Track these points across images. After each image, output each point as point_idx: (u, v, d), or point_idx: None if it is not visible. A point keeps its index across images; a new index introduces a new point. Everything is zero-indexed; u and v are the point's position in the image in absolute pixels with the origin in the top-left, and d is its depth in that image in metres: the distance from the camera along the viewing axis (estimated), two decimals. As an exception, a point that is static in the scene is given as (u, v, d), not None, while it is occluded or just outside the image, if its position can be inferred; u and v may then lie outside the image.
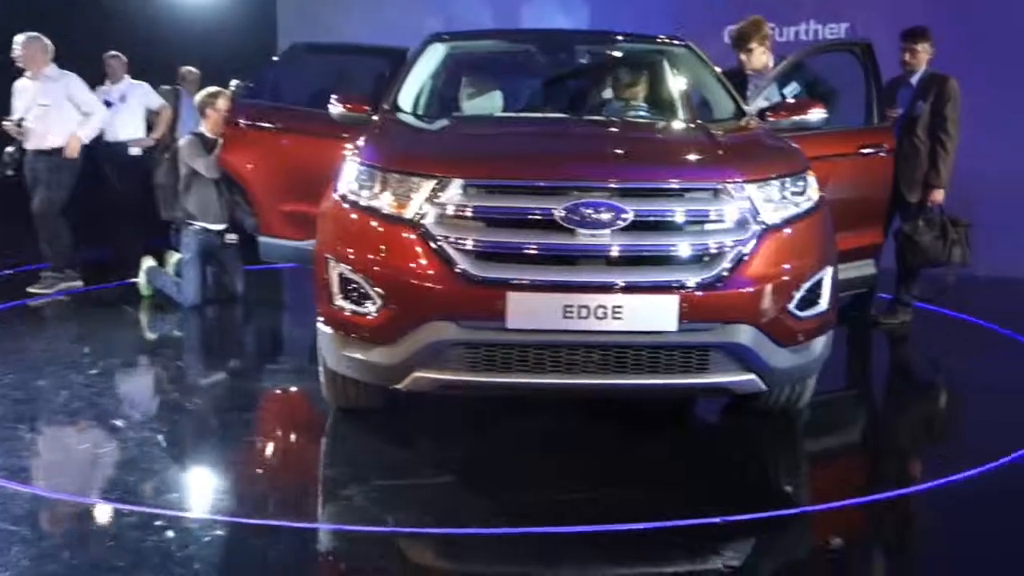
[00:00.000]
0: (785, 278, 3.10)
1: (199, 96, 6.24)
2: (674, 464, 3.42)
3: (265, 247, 5.55)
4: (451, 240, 3.02)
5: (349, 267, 3.19)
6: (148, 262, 6.32)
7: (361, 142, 3.51)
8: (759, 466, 3.51)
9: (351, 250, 3.20)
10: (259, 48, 10.42)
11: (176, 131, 8.11)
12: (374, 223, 3.18)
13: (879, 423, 4.17)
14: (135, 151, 7.74)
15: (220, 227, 6.06)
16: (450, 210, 3.05)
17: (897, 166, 5.11)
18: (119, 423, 3.71)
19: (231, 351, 5.15)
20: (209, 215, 5.98)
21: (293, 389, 4.40)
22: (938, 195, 5.29)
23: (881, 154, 4.91)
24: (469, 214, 3.04)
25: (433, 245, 3.03)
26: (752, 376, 3.12)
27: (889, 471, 3.60)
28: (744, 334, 3.04)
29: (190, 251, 5.96)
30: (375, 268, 3.12)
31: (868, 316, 5.59)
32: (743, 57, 5.24)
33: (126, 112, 7.73)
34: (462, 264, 2.99)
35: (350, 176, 3.34)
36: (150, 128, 7.87)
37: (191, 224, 5.98)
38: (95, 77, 7.93)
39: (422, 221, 3.06)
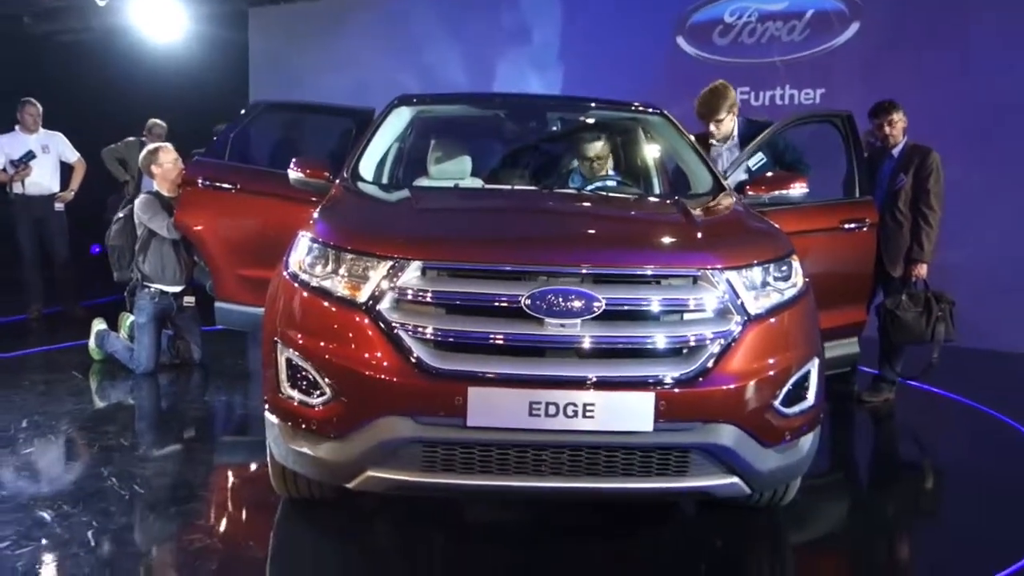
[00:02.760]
0: (771, 373, 2.86)
1: (141, 156, 6.00)
2: (651, 567, 3.16)
3: (221, 312, 5.30)
4: (408, 328, 2.76)
5: (297, 353, 2.93)
6: (99, 324, 6.04)
7: (314, 215, 3.27)
8: (743, 572, 3.23)
9: (299, 335, 2.94)
10: (230, 104, 10.28)
11: (140, 187, 7.90)
12: (325, 305, 2.92)
13: (869, 517, 3.87)
14: (59, 206, 7.57)
15: (177, 289, 5.79)
16: (407, 294, 2.80)
17: (879, 240, 4.94)
18: (46, 514, 3.39)
19: (182, 425, 4.82)
20: (166, 277, 5.71)
21: (244, 471, 4.12)
22: (922, 270, 5.14)
23: (864, 228, 4.74)
24: (428, 299, 2.79)
25: (388, 333, 2.78)
26: (735, 479, 2.86)
27: None
28: (727, 434, 2.78)
29: (145, 315, 5.68)
30: (325, 356, 2.86)
31: (852, 393, 5.39)
32: (712, 128, 5.04)
33: (47, 163, 7.53)
34: (420, 354, 2.74)
35: (301, 253, 3.09)
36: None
37: (147, 286, 5.70)
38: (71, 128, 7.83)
39: (377, 306, 2.81)
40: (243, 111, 5.82)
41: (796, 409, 2.97)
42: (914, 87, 6.70)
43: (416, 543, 3.29)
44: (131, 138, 8.47)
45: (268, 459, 3.31)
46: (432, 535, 3.34)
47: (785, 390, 2.91)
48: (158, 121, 8.55)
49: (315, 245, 3.05)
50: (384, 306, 2.81)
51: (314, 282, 2.98)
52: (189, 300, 5.86)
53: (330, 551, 3.23)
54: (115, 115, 10.44)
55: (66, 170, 7.80)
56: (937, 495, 4.25)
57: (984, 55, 7.01)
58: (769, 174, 4.32)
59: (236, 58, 11.27)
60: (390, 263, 2.84)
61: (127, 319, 6.05)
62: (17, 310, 7.59)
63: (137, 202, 5.74)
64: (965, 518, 3.81)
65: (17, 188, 7.39)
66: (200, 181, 5.24)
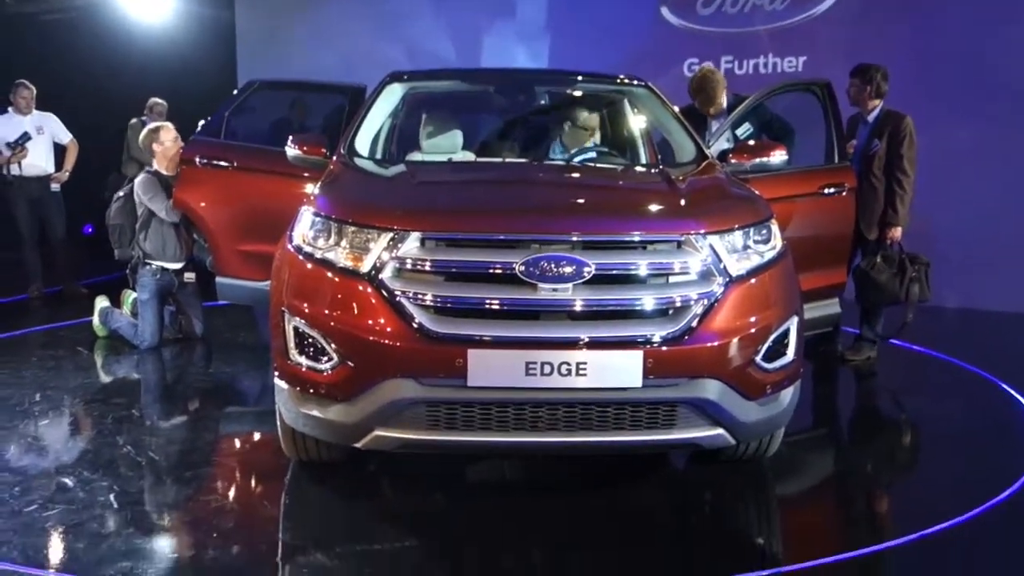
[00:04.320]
0: (751, 330, 3.04)
1: (141, 135, 6.11)
2: (644, 519, 3.35)
3: (222, 287, 5.46)
4: (409, 295, 2.93)
5: (304, 321, 3.09)
6: (102, 302, 6.18)
7: (315, 191, 3.42)
8: (731, 522, 3.42)
9: (306, 304, 3.10)
10: (218, 81, 10.35)
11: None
12: (329, 276, 3.08)
13: (851, 468, 4.09)
14: (55, 187, 7.66)
15: (178, 266, 5.92)
16: (408, 264, 2.96)
17: (856, 204, 5.11)
18: (68, 480, 3.57)
19: (189, 396, 5.00)
20: (167, 254, 5.85)
21: (252, 438, 4.28)
22: (896, 232, 5.30)
23: (843, 193, 4.92)
24: (427, 268, 2.96)
25: (391, 300, 2.94)
26: (720, 431, 3.05)
27: (866, 522, 3.54)
28: (711, 389, 2.97)
29: (147, 291, 5.82)
30: (331, 323, 3.02)
31: (835, 352, 5.59)
32: (710, 110, 5.30)
33: (42, 144, 7.61)
34: (421, 320, 2.91)
35: (305, 226, 3.25)
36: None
37: (148, 263, 5.84)
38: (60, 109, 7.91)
39: (379, 275, 2.97)
40: (236, 90, 5.93)
41: (776, 364, 3.16)
42: (892, 54, 6.82)
43: (420, 500, 3.48)
44: (133, 119, 8.53)
45: (278, 423, 3.49)
46: (435, 493, 3.52)
47: (766, 346, 3.09)
48: (158, 100, 8.61)
49: (318, 219, 3.21)
50: (386, 275, 2.97)
51: (318, 254, 3.14)
52: (190, 276, 6.00)
53: (339, 508, 3.41)
54: (101, 95, 10.51)
55: (59, 151, 7.90)
56: (915, 445, 4.46)
57: (960, 20, 7.15)
58: (751, 143, 4.49)
59: (223, 36, 11.31)
60: (391, 235, 3.00)
61: (130, 296, 6.20)
62: (18, 290, 7.72)
63: (137, 181, 5.86)
64: (942, 465, 4.04)
65: (14, 170, 7.46)
66: (198, 160, 5.37)
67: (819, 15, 7.81)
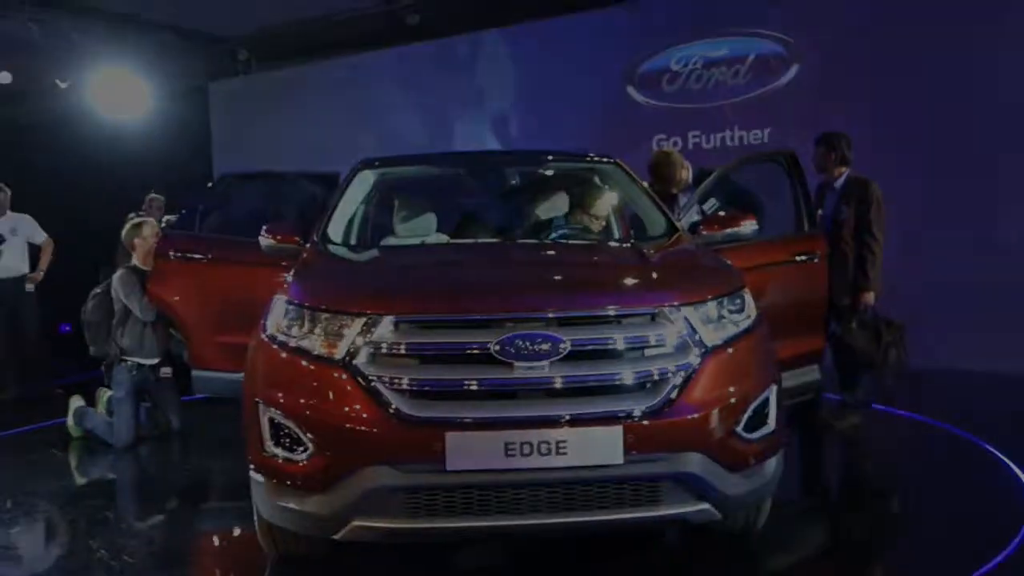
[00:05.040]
0: (731, 400, 3.01)
1: (124, 229, 6.11)
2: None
3: (199, 380, 5.38)
4: (384, 380, 2.89)
5: (279, 411, 3.04)
6: (77, 402, 6.07)
7: (289, 278, 3.41)
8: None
9: (280, 394, 3.06)
10: (194, 177, 10.44)
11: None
12: (304, 364, 3.04)
13: (842, 538, 4.01)
14: (30, 287, 7.60)
15: (154, 361, 5.85)
16: (382, 348, 2.93)
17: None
18: (38, 590, 3.46)
19: (166, 495, 4.87)
20: (144, 350, 5.78)
21: (231, 534, 4.16)
22: (868, 297, 5.33)
23: (815, 260, 4.96)
24: (402, 351, 2.93)
25: (366, 386, 2.90)
26: (706, 505, 2.99)
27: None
28: (693, 462, 2.92)
29: (123, 389, 5.73)
30: (306, 412, 2.97)
31: (818, 419, 5.55)
32: (672, 189, 5.38)
33: (16, 246, 7.59)
34: (397, 405, 2.86)
35: (278, 315, 3.23)
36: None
37: (125, 360, 5.76)
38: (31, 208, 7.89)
39: (353, 361, 2.94)
40: (210, 184, 5.97)
41: (758, 434, 3.12)
42: (855, 121, 7.00)
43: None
44: (131, 214, 8.52)
45: (255, 518, 3.40)
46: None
47: (746, 416, 3.06)
48: (156, 195, 8.60)
49: (291, 307, 3.18)
50: (360, 361, 2.94)
51: (292, 342, 3.11)
52: (166, 371, 5.93)
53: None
54: (79, 194, 10.55)
55: (34, 251, 7.87)
56: (904, 512, 4.38)
57: (918, 86, 7.36)
58: (721, 214, 4.54)
59: (198, 132, 11.46)
60: (364, 319, 2.97)
61: (105, 394, 6.10)
62: (-9, 392, 7.59)
63: (116, 277, 5.83)
64: (933, 532, 3.95)
65: None
66: (171, 253, 5.37)
67: (781, 87, 8.02)
